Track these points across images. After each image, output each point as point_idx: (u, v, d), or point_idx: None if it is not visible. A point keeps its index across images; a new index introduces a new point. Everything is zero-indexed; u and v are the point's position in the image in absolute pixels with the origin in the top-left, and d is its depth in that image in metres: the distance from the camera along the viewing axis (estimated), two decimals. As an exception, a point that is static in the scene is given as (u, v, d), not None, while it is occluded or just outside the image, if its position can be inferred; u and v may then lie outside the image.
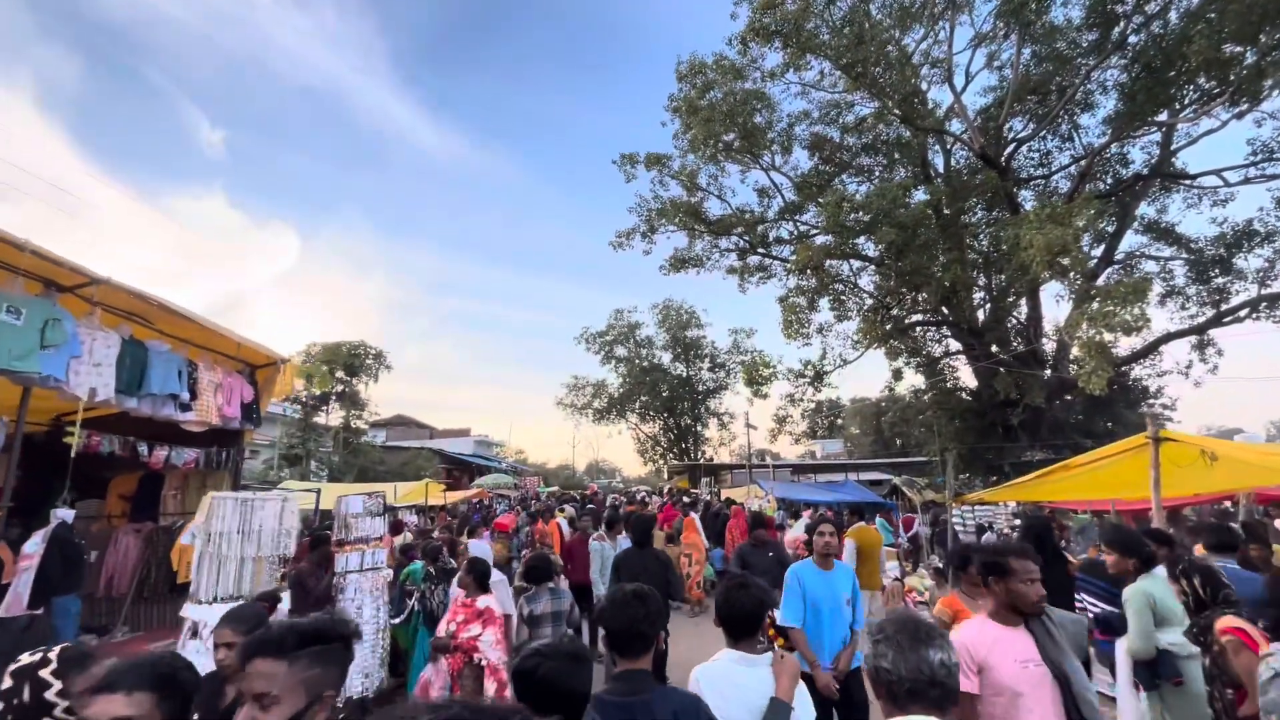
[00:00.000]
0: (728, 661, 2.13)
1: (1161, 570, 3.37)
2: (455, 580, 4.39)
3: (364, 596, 4.45)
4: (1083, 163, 16.06)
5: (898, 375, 22.48)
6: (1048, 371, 17.92)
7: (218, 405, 4.51)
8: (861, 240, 17.41)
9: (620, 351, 36.72)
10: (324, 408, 19.86)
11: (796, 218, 21.90)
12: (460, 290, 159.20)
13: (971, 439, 19.50)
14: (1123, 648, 3.40)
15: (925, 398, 22.75)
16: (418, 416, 39.41)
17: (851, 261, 18.34)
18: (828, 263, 16.55)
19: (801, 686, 2.05)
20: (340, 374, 20.96)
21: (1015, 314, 19.82)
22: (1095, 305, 10.42)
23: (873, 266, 18.09)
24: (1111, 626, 3.63)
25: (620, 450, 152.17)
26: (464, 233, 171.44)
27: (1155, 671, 3.23)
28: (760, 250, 21.98)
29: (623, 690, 1.80)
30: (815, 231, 21.91)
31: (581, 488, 33.58)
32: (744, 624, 2.18)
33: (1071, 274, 11.10)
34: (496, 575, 4.61)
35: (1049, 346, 18.08)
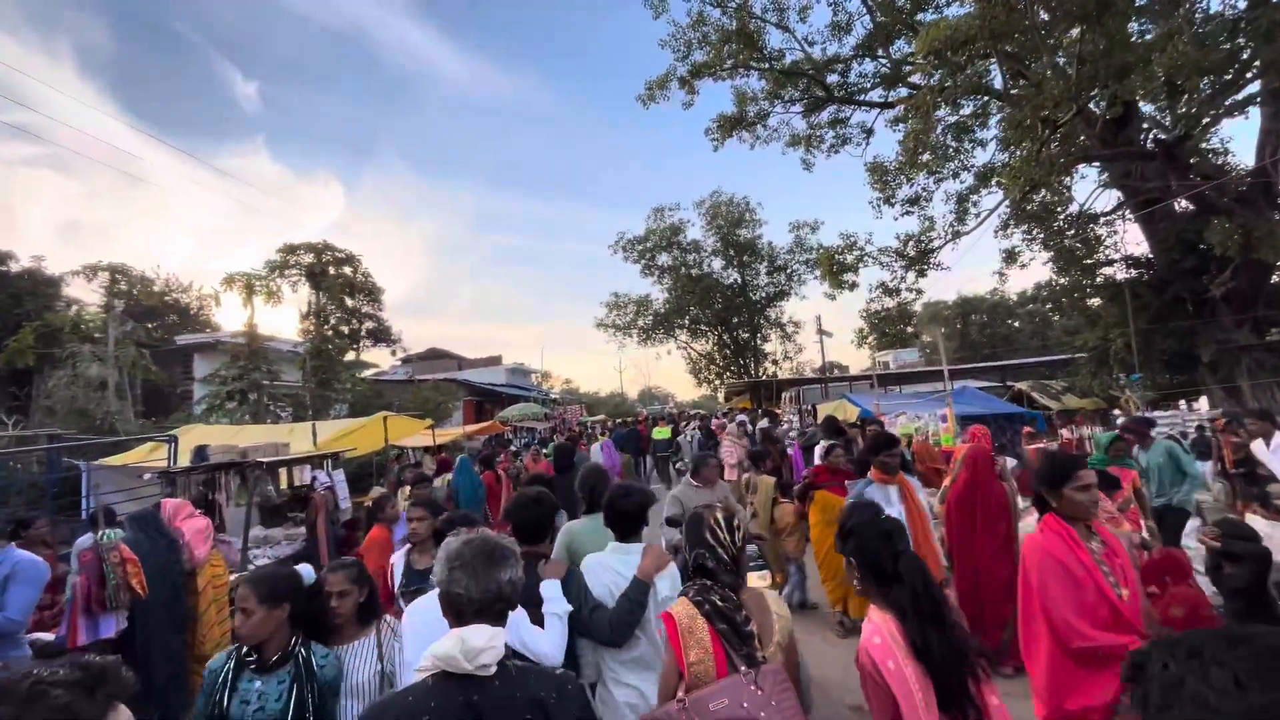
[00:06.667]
0: (609, 552, 2.54)
1: None
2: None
3: None
4: None
5: (1011, 257, 17.29)
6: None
7: None
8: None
9: (664, 260, 32.03)
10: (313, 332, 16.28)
11: (888, 48, 16.31)
12: (505, 226, 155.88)
13: (1144, 321, 14.29)
14: None
15: (1065, 279, 17.40)
16: (466, 354, 36.40)
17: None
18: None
19: (671, 567, 2.44)
20: (301, 284, 17.37)
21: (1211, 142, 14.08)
22: None
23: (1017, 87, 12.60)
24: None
25: (672, 373, 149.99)
26: (504, 166, 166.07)
27: None
28: (840, 95, 16.61)
29: None
30: (912, 69, 16.35)
31: (632, 415, 30.32)
32: (627, 523, 2.54)
33: None
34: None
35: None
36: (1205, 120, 11.53)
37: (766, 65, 15.70)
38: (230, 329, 15.26)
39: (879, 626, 1.71)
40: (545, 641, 2.17)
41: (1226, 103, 11.66)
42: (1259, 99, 11.70)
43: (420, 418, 11.56)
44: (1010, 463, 5.53)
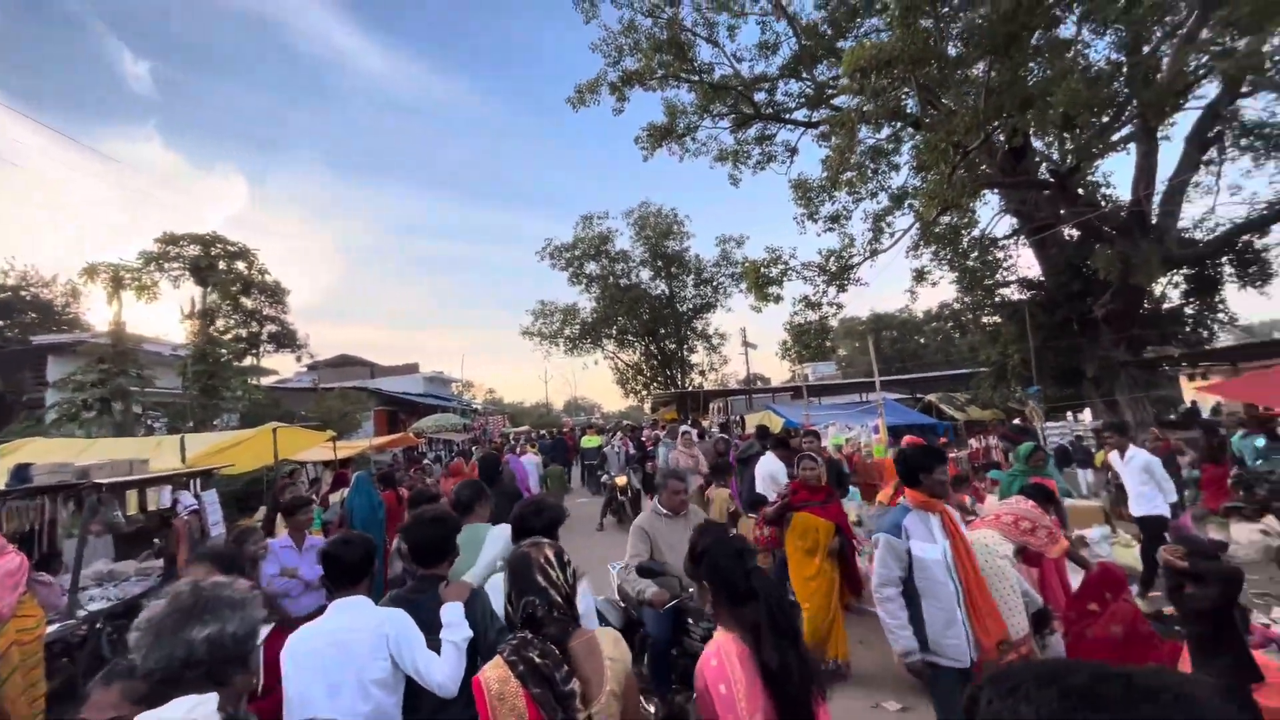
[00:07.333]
0: None
1: None
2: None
3: None
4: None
5: (921, 276, 18.33)
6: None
7: None
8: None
9: (592, 268, 31.67)
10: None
11: (812, 70, 16.93)
12: (428, 230, 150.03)
13: (1038, 339, 15.44)
14: None
15: (969, 298, 18.54)
16: (381, 362, 34.09)
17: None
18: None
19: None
20: (186, 279, 15.63)
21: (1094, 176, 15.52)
22: None
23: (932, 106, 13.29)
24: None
25: (598, 384, 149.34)
26: (429, 169, 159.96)
27: None
28: (767, 112, 17.04)
29: (414, 589, 2.35)
30: (834, 92, 17.06)
31: (557, 425, 29.63)
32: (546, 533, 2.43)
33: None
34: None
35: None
36: (1094, 152, 12.56)
37: (697, 78, 15.83)
38: (100, 329, 13.32)
39: (719, 648, 1.67)
40: (439, 670, 2.07)
41: (1111, 139, 12.80)
42: (1135, 137, 12.98)
43: (322, 428, 10.48)
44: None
